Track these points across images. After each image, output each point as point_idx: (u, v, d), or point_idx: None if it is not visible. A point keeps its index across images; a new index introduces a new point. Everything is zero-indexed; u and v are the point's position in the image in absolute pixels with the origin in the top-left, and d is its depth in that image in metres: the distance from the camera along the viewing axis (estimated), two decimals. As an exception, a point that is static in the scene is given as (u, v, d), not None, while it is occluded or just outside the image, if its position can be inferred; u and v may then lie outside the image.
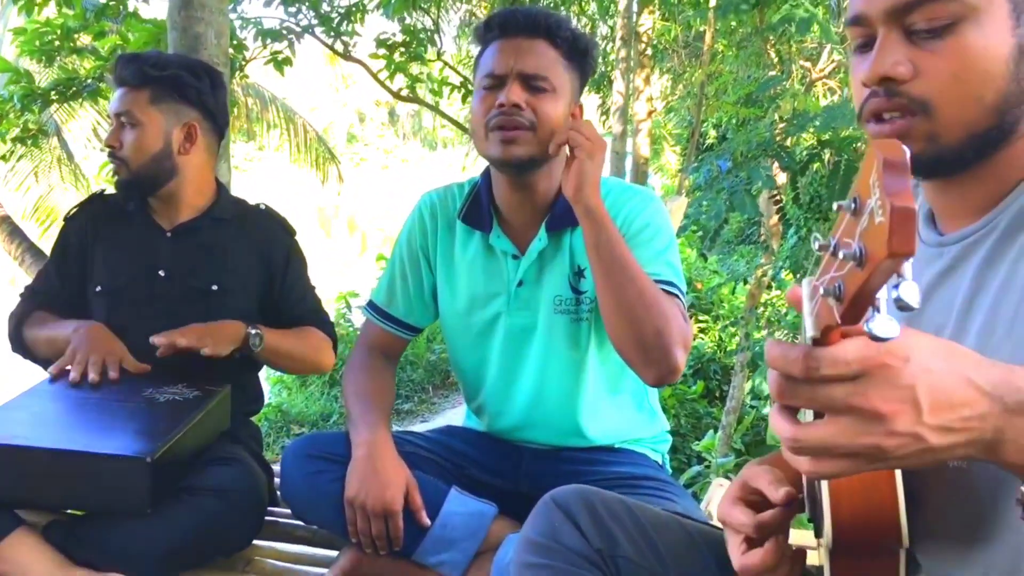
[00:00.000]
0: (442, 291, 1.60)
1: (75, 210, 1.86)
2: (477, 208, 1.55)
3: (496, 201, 1.53)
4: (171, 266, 1.77)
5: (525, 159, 1.40)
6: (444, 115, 7.56)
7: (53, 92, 4.08)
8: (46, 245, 4.29)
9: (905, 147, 0.51)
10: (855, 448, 0.59)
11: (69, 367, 1.60)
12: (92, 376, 1.57)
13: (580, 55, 1.45)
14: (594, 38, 1.59)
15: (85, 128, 8.61)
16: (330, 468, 1.47)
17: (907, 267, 0.49)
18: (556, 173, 1.48)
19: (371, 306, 1.68)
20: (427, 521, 1.41)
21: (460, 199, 1.59)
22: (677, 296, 1.41)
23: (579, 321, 1.49)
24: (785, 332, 5.42)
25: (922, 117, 0.78)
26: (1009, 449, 0.61)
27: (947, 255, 0.83)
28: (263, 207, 1.93)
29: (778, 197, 4.19)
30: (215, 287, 1.77)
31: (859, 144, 2.91)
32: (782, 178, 4.26)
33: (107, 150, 1.76)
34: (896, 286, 0.50)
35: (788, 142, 3.41)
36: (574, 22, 1.45)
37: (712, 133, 10.47)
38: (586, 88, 1.56)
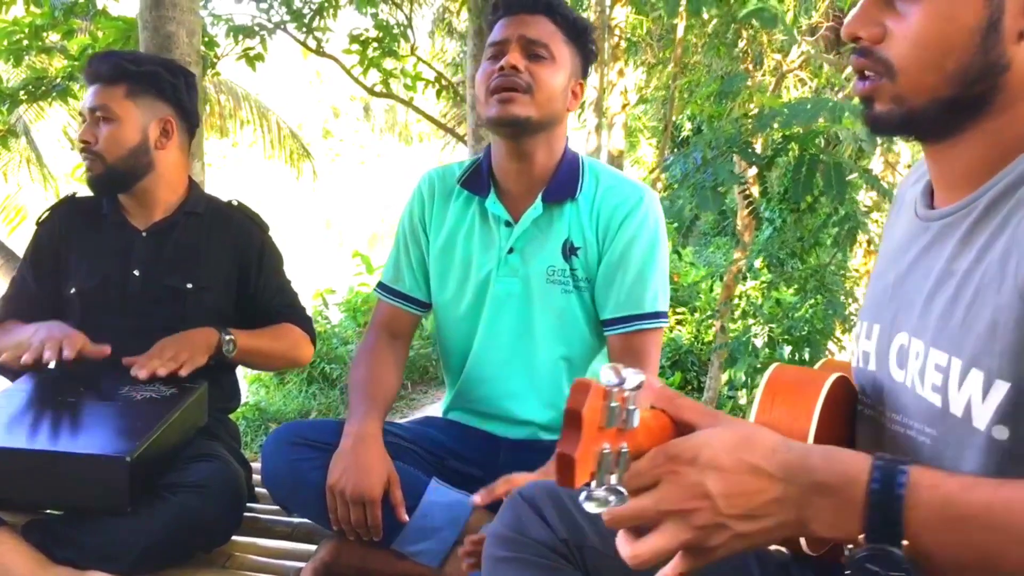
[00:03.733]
0: (435, 260, 1.64)
1: (47, 214, 1.86)
2: (477, 175, 1.61)
3: (495, 171, 1.58)
4: (146, 266, 1.77)
5: (522, 119, 1.45)
6: (418, 110, 7.55)
7: (22, 92, 4.04)
8: (14, 244, 4.23)
9: (586, 394, 0.62)
10: (678, 547, 0.67)
11: (24, 355, 1.58)
12: (47, 355, 1.55)
13: (578, 35, 1.52)
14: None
15: (55, 128, 8.52)
16: (312, 455, 1.49)
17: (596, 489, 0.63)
18: (555, 146, 1.55)
19: (380, 286, 1.72)
20: (406, 517, 1.43)
21: (461, 170, 1.65)
22: (655, 329, 1.53)
23: (569, 293, 1.55)
24: (761, 323, 5.48)
25: (888, 79, 0.79)
26: (816, 527, 0.67)
27: (930, 231, 0.84)
28: (235, 203, 1.93)
29: (747, 191, 4.23)
30: (190, 285, 1.77)
31: (822, 137, 2.97)
32: (753, 171, 4.31)
33: (80, 147, 1.75)
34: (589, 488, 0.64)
35: (755, 138, 3.47)
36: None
37: (688, 125, 10.54)
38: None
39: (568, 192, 1.54)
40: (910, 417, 0.85)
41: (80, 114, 1.78)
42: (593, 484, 0.63)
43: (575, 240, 1.54)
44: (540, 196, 1.54)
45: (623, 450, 0.65)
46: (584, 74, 1.58)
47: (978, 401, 0.75)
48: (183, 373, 1.62)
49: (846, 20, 0.83)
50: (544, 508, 0.99)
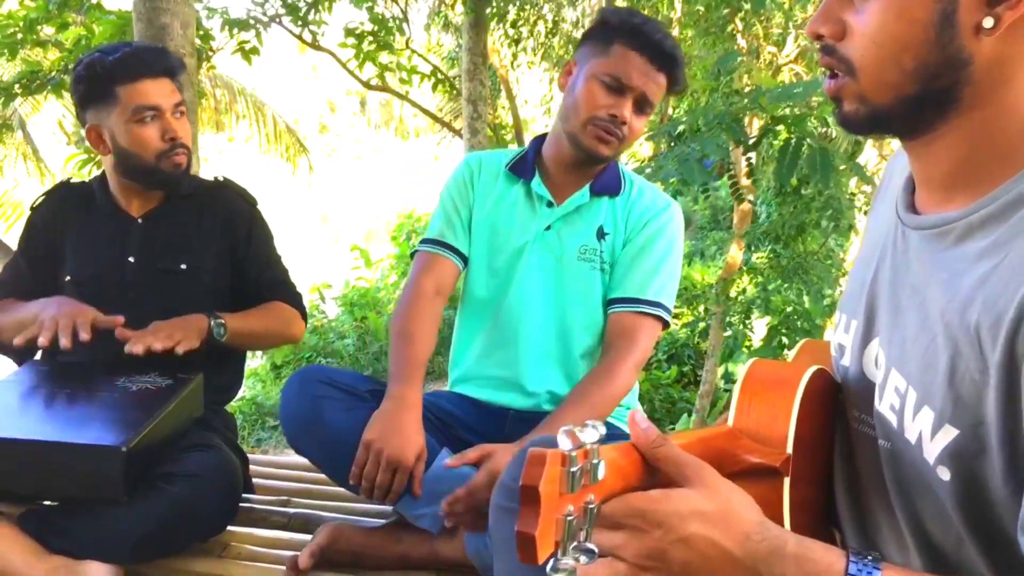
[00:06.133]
0: (477, 222, 1.73)
1: (42, 199, 1.86)
2: (522, 162, 1.75)
3: (545, 159, 1.72)
4: (141, 252, 1.78)
5: (607, 157, 1.63)
6: (414, 104, 7.54)
7: (17, 86, 4.03)
8: (11, 240, 4.21)
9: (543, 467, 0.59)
10: None
11: (39, 337, 1.56)
12: (64, 341, 1.54)
13: (674, 82, 1.62)
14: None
15: (50, 122, 8.49)
16: (337, 395, 1.51)
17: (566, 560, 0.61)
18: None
19: (425, 242, 1.73)
20: (419, 492, 1.44)
21: (507, 157, 1.77)
22: (654, 316, 1.61)
23: (595, 271, 1.67)
24: (740, 312, 5.47)
25: (851, 77, 0.77)
26: None
27: (907, 238, 0.83)
28: (222, 179, 1.94)
29: (732, 172, 4.19)
30: (184, 266, 1.78)
31: (811, 121, 2.97)
32: (745, 161, 4.30)
33: (175, 142, 1.73)
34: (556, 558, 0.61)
35: (748, 120, 3.45)
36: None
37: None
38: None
39: (613, 188, 1.69)
40: (874, 420, 0.85)
41: (152, 107, 1.70)
42: (559, 553, 0.61)
43: (606, 226, 1.67)
44: (588, 186, 1.68)
45: (590, 505, 0.62)
46: None
47: (927, 438, 0.75)
48: (179, 351, 1.60)
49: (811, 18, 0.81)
50: None
